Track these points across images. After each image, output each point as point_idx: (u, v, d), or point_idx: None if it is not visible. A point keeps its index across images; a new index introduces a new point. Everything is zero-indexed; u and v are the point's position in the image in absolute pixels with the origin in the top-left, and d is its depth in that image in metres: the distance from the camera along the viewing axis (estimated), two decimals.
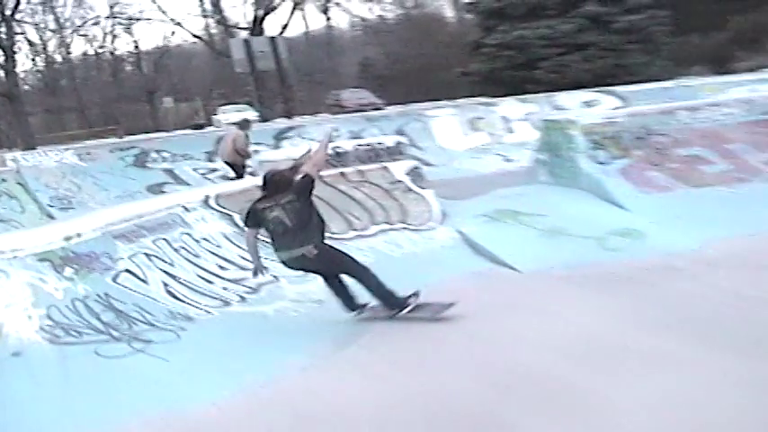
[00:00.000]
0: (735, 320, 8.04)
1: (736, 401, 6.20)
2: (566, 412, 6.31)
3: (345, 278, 9.12)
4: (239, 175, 18.47)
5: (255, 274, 9.02)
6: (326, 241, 9.04)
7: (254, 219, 8.89)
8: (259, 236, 9.08)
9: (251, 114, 43.13)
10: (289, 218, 8.62)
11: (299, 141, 23.44)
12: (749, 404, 6.13)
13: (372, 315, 9.04)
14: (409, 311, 8.86)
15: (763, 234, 11.26)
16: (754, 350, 7.19)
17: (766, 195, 12.82)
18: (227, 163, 19.74)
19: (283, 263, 8.89)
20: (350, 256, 9.16)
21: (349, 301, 9.10)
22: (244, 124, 20.22)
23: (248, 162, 18.76)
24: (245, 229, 9.08)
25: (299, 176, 9.00)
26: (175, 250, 10.37)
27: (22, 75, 66.26)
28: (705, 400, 6.28)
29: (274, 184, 8.88)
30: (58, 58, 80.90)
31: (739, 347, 7.30)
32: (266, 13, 61.48)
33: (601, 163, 13.75)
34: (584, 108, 25.84)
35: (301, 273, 9.37)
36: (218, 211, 11.62)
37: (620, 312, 8.67)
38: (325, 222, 9.17)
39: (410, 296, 8.95)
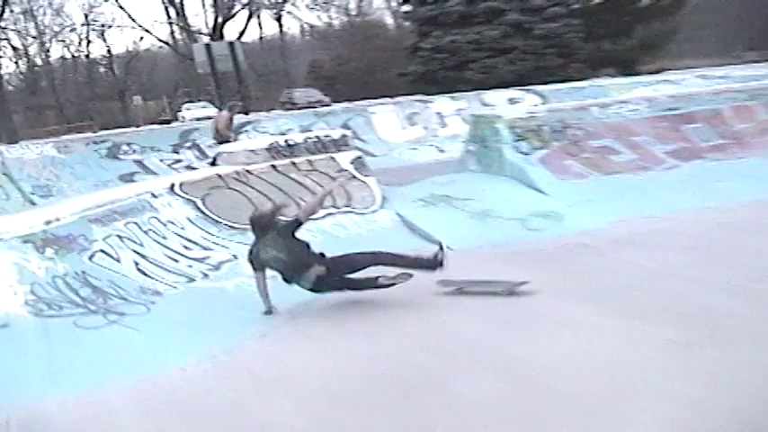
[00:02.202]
0: (638, 290, 8.18)
1: (641, 359, 6.31)
2: (491, 371, 6.37)
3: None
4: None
5: (267, 313, 8.70)
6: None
7: (257, 262, 8.62)
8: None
9: (213, 110, 42.96)
10: (282, 253, 8.42)
11: (255, 135, 23.32)
12: (652, 361, 6.23)
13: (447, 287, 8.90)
14: (484, 289, 8.63)
15: (662, 215, 11.49)
16: (655, 315, 7.32)
17: (666, 182, 13.08)
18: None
19: (312, 290, 8.58)
20: (354, 253, 8.89)
21: (371, 282, 8.73)
22: (232, 107, 20.06)
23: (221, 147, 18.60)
24: (254, 273, 8.75)
25: (289, 219, 8.79)
26: (145, 232, 10.29)
27: (6, 76, 65.53)
28: (613, 359, 6.38)
29: (260, 225, 8.68)
30: (39, 61, 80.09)
31: (643, 313, 7.42)
32: (225, 21, 61.39)
33: (523, 153, 13.83)
34: (509, 105, 25.90)
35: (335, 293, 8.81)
36: (182, 197, 11.53)
37: (541, 284, 8.73)
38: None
39: (437, 253, 8.80)
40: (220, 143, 18.76)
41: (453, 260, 9.06)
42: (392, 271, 8.73)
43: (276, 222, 8.70)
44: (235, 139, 19.72)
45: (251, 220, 8.87)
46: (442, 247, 8.88)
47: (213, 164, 16.94)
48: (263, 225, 8.67)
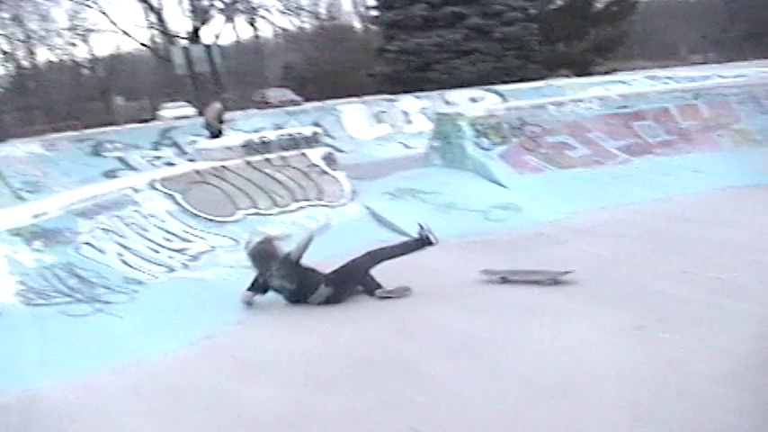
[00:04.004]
0: (595, 277, 8.26)
1: (600, 342, 6.38)
2: (462, 356, 6.43)
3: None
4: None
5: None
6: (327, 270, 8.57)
7: (261, 288, 8.51)
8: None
9: (192, 110, 42.69)
10: (287, 281, 8.33)
11: (231, 132, 23.22)
12: (610, 344, 6.31)
13: None
14: (528, 278, 8.42)
15: (615, 207, 11.67)
16: (611, 301, 7.42)
17: (618, 176, 13.21)
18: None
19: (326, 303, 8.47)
20: (351, 262, 8.68)
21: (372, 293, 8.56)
22: (224, 100, 19.94)
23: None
24: (247, 291, 8.58)
25: (284, 253, 8.50)
26: (127, 225, 10.23)
27: None
28: (574, 342, 6.45)
29: (260, 258, 8.53)
30: (26, 64, 79.35)
31: (600, 299, 7.52)
32: (202, 25, 60.95)
33: (484, 149, 13.87)
34: (471, 103, 25.94)
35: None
36: (162, 191, 11.47)
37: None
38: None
39: (421, 232, 8.83)
40: (211, 134, 18.70)
41: (420, 251, 9.08)
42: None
43: (276, 252, 8.57)
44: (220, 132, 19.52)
45: (253, 256, 8.70)
46: (421, 225, 8.90)
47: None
48: (263, 259, 8.51)
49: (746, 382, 5.33)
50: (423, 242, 8.83)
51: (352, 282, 8.56)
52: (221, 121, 19.22)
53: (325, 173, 13.19)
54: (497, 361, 6.22)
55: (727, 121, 14.90)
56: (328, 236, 9.08)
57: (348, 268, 8.58)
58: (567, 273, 8.31)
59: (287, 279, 8.34)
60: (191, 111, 43.53)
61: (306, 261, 8.48)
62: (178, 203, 11.41)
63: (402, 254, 8.83)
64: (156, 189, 11.50)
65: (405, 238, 9.54)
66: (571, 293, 7.84)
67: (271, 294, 8.55)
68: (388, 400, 5.65)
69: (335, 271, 8.52)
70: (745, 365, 5.63)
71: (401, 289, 8.44)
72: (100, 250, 9.32)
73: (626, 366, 5.80)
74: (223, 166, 12.51)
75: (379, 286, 8.47)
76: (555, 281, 8.22)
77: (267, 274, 8.44)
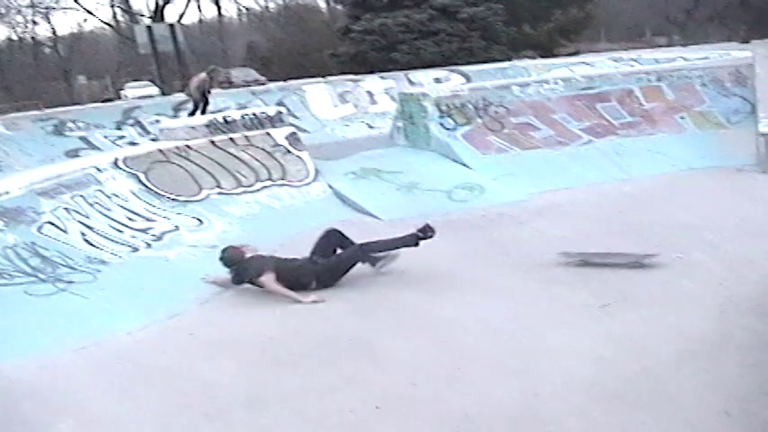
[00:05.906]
0: (553, 257, 8.33)
1: (558, 321, 6.50)
2: (420, 335, 6.53)
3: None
4: (199, 112, 17.90)
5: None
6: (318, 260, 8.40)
7: (240, 282, 8.31)
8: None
9: (155, 89, 42.32)
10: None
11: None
12: (568, 323, 6.41)
13: None
14: (609, 261, 8.09)
15: (578, 188, 11.78)
16: (572, 280, 7.54)
17: (581, 156, 13.31)
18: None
19: None
20: (343, 254, 8.46)
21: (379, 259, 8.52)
22: (211, 71, 19.70)
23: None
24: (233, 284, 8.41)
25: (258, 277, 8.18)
26: (90, 205, 10.16)
27: None
28: (532, 321, 6.56)
29: (229, 261, 8.37)
30: None
31: (561, 278, 7.65)
32: (165, 4, 60.52)
33: (448, 129, 13.94)
34: (435, 84, 25.96)
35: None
36: (125, 171, 11.40)
37: (464, 251, 8.90)
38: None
39: (425, 229, 8.49)
40: (194, 105, 18.51)
41: (383, 230, 9.14)
42: None
43: (242, 259, 8.36)
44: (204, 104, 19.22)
45: (225, 261, 8.46)
46: (430, 228, 8.53)
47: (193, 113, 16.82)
48: (244, 263, 8.30)
49: (704, 361, 5.46)
50: (418, 238, 8.56)
51: (340, 274, 8.38)
52: (206, 92, 18.87)
53: (289, 152, 13.19)
54: (459, 340, 6.31)
55: (690, 103, 15.03)
56: (292, 216, 9.10)
57: (340, 260, 8.45)
58: (651, 256, 8.04)
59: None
60: (154, 90, 43.14)
61: (270, 242, 8.49)
62: (142, 183, 11.35)
63: (395, 248, 8.61)
64: (120, 168, 11.42)
65: (397, 234, 9.37)
66: (532, 273, 7.94)
67: None
68: (349, 379, 5.70)
69: (326, 266, 8.35)
70: (703, 345, 5.76)
71: (391, 257, 8.43)
72: (63, 230, 9.25)
73: (587, 345, 5.91)
74: (187, 146, 12.46)
75: (378, 260, 8.43)
76: (639, 264, 7.93)
77: (246, 276, 8.28)
